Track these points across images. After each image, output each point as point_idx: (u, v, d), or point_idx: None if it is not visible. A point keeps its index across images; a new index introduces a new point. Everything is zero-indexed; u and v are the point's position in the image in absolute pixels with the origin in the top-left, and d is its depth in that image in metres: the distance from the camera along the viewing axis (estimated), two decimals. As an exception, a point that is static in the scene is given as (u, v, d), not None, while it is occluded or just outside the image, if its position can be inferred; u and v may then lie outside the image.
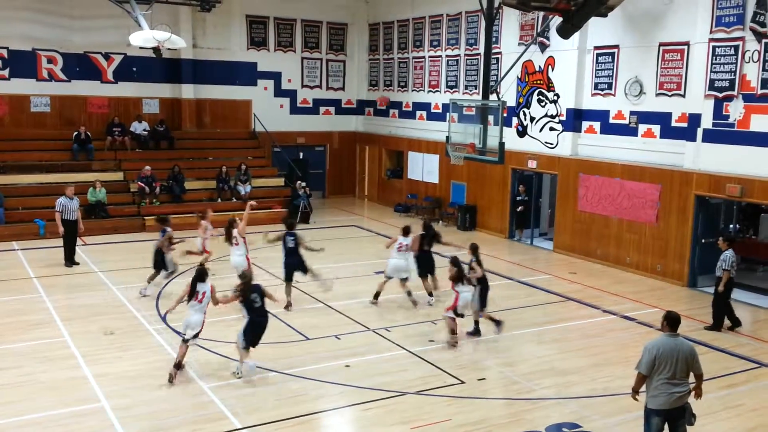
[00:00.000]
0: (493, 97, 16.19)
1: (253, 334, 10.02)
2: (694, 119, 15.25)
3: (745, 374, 10.70)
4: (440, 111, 23.07)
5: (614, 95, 17.32)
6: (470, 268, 11.84)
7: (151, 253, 13.95)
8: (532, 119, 19.56)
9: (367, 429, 8.78)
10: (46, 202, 18.38)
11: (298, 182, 23.17)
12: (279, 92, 26.11)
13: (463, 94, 22.03)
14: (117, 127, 22.54)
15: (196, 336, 10.08)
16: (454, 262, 11.62)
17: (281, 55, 25.95)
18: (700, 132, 15.15)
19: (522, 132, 19.85)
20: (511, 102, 19.42)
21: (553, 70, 18.82)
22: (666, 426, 7.30)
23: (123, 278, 15.02)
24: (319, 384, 9.86)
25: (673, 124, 16.00)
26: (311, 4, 26.06)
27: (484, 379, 10.30)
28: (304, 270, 13.31)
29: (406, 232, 13.68)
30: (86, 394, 9.41)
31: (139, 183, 20.96)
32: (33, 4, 21.89)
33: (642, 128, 16.75)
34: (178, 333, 11.51)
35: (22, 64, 21.99)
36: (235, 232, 13.49)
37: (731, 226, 15.61)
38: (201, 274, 10.15)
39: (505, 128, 15.58)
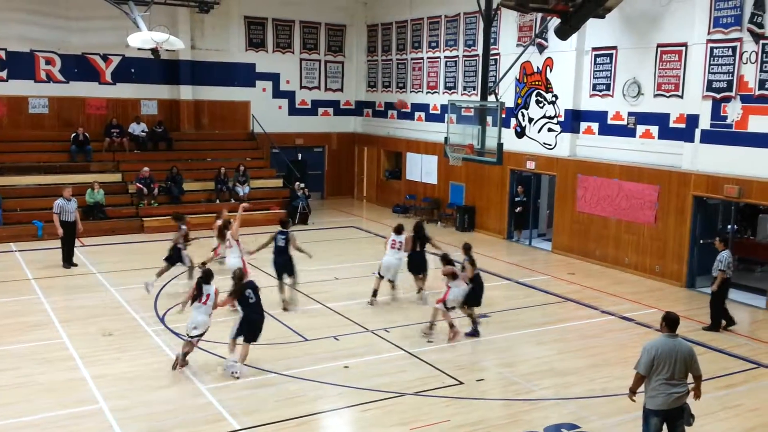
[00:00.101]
0: (491, 98, 16.17)
1: (247, 330, 10.06)
2: (692, 120, 15.28)
3: (744, 374, 10.71)
4: (439, 112, 23.06)
5: (612, 96, 17.34)
6: (462, 268, 11.88)
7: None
8: (530, 120, 19.58)
9: (365, 430, 8.78)
10: (44, 203, 18.33)
11: (297, 183, 23.15)
12: (277, 93, 26.09)
13: (462, 95, 22.03)
14: (115, 128, 22.51)
15: (201, 336, 10.17)
16: (446, 259, 11.69)
17: (280, 57, 25.94)
18: (698, 133, 15.18)
19: (520, 133, 19.86)
20: (510, 103, 19.41)
21: (551, 71, 18.83)
22: (665, 426, 7.31)
23: (121, 279, 14.99)
24: (318, 385, 9.86)
25: (671, 125, 16.02)
26: (310, 6, 26.05)
27: (482, 379, 10.30)
28: (291, 272, 13.24)
29: (398, 230, 13.78)
30: (84, 395, 9.39)
31: (138, 184, 20.90)
32: (31, 6, 21.85)
33: (640, 129, 16.77)
34: (176, 334, 11.56)
35: (20, 65, 21.94)
36: (228, 234, 13.48)
37: (729, 226, 15.62)
38: (207, 276, 10.21)
39: (503, 129, 15.59)
